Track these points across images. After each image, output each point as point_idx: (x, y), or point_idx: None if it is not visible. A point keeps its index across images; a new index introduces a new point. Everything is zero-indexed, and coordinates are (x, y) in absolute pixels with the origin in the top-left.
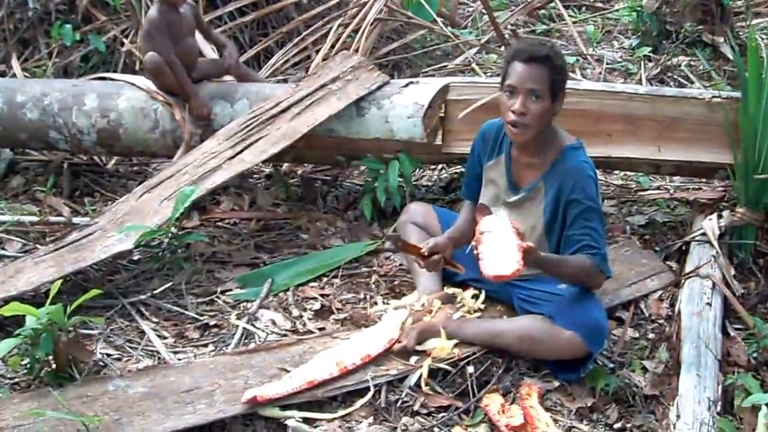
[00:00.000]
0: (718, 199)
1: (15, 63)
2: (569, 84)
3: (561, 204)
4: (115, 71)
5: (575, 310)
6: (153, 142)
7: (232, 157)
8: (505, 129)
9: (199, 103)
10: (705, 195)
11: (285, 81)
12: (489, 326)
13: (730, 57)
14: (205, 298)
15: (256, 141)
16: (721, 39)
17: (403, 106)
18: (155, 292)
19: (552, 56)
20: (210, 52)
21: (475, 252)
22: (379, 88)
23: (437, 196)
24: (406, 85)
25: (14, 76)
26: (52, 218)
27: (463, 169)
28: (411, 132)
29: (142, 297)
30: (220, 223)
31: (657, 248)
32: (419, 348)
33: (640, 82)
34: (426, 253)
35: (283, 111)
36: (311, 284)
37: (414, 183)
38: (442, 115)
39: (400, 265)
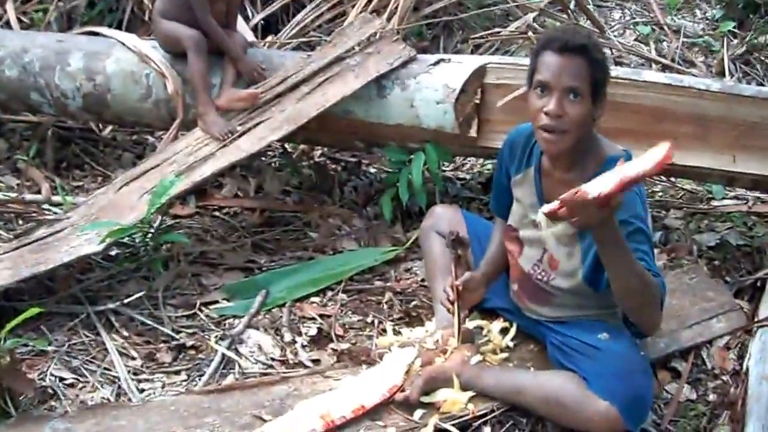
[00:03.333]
0: None
1: (10, 7)
2: (627, 74)
3: None
4: (121, 21)
5: (615, 375)
6: (146, 112)
7: (227, 145)
8: (536, 136)
9: (251, 65)
10: None
11: (309, 48)
12: (512, 379)
13: None
14: (185, 310)
15: (256, 125)
16: None
17: (432, 89)
18: (126, 301)
19: (591, 47)
20: None
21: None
22: (404, 64)
23: (474, 194)
24: (436, 63)
25: (8, 23)
26: (29, 196)
27: None
28: (440, 120)
29: (112, 305)
30: (218, 213)
31: (728, 279)
32: (426, 400)
33: (721, 63)
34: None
35: (291, 89)
36: (312, 299)
37: (448, 175)
38: (477, 101)
39: (422, 280)
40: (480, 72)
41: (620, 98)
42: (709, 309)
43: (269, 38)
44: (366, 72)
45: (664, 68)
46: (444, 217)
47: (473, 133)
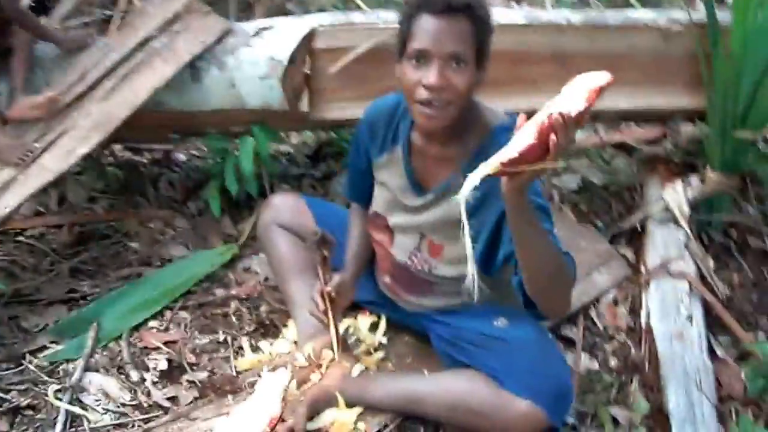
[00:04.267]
0: (655, 141)
1: None
2: None
3: (492, 208)
4: None
5: (530, 367)
6: None
7: (28, 166)
8: (412, 111)
9: (80, 38)
10: (642, 135)
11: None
12: (405, 387)
13: None
14: (10, 363)
15: (59, 137)
16: None
17: (254, 64)
18: None
19: (475, 4)
20: None
21: None
22: (219, 40)
23: (304, 169)
24: (257, 33)
25: None
26: None
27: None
28: (266, 97)
29: None
30: (21, 237)
31: (599, 224)
32: (312, 427)
33: None
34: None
35: (92, 87)
36: (151, 323)
37: (271, 153)
38: (307, 71)
39: (266, 280)
40: (308, 37)
41: None
42: (587, 261)
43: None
44: (176, 55)
45: None
46: (285, 208)
47: (305, 107)
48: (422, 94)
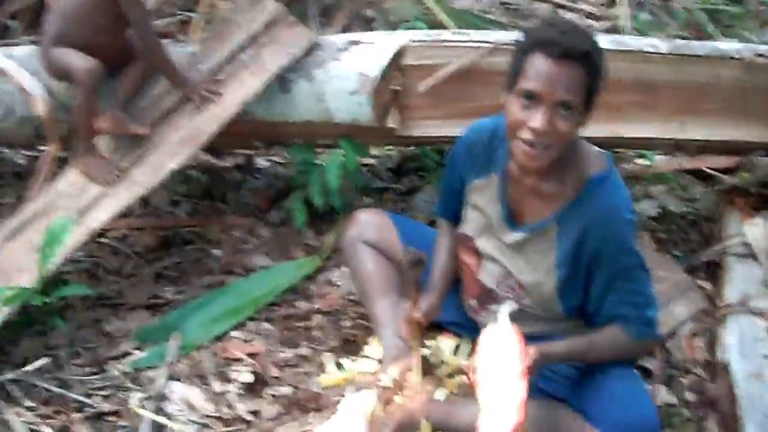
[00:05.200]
0: (733, 170)
1: None
2: None
3: (583, 259)
4: None
5: (616, 404)
6: (8, 131)
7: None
8: (513, 146)
9: (201, 85)
10: (719, 164)
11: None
12: None
13: None
14: (94, 368)
15: (148, 152)
16: None
17: (343, 78)
18: (28, 368)
19: (592, 51)
20: None
21: (470, 382)
22: (307, 53)
23: (386, 182)
24: (346, 47)
25: None
26: None
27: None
28: (355, 112)
29: (10, 375)
30: (103, 238)
31: (677, 253)
32: None
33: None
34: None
35: (181, 102)
36: (234, 333)
37: None
38: (397, 88)
39: (349, 294)
40: (398, 53)
41: None
42: (665, 291)
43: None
44: (263, 68)
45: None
46: (371, 225)
47: (394, 124)
48: (526, 134)
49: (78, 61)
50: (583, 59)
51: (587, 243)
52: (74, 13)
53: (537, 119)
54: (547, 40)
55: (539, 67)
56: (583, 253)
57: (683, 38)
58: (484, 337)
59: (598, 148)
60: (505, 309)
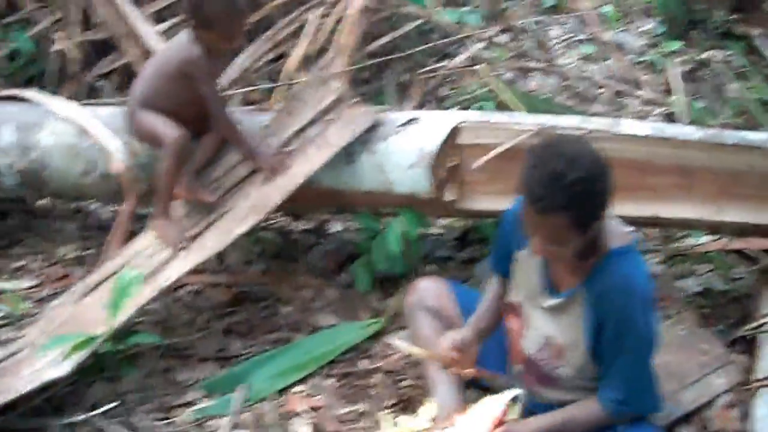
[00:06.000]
0: None
1: None
2: (607, 125)
3: (601, 326)
4: (42, 76)
5: None
6: (90, 187)
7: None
8: None
9: (272, 159)
10: (762, 245)
11: (252, 104)
12: None
13: None
14: (162, 413)
15: (220, 218)
16: (756, 31)
17: (403, 152)
18: (98, 412)
19: (574, 196)
20: None
21: None
22: (369, 129)
23: (449, 252)
24: (405, 124)
25: None
26: None
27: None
28: (414, 185)
29: (82, 416)
30: (179, 291)
31: (720, 327)
32: None
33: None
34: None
35: (253, 171)
36: (297, 387)
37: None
38: (455, 163)
39: (409, 355)
40: (453, 132)
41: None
42: (706, 363)
43: None
44: (328, 143)
45: (617, 94)
46: (429, 292)
47: (450, 197)
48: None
49: (166, 128)
50: (565, 209)
51: (601, 312)
52: (160, 83)
53: (532, 246)
54: (530, 193)
55: (525, 208)
56: (600, 322)
57: (727, 127)
58: (475, 407)
59: (626, 227)
60: (510, 392)
